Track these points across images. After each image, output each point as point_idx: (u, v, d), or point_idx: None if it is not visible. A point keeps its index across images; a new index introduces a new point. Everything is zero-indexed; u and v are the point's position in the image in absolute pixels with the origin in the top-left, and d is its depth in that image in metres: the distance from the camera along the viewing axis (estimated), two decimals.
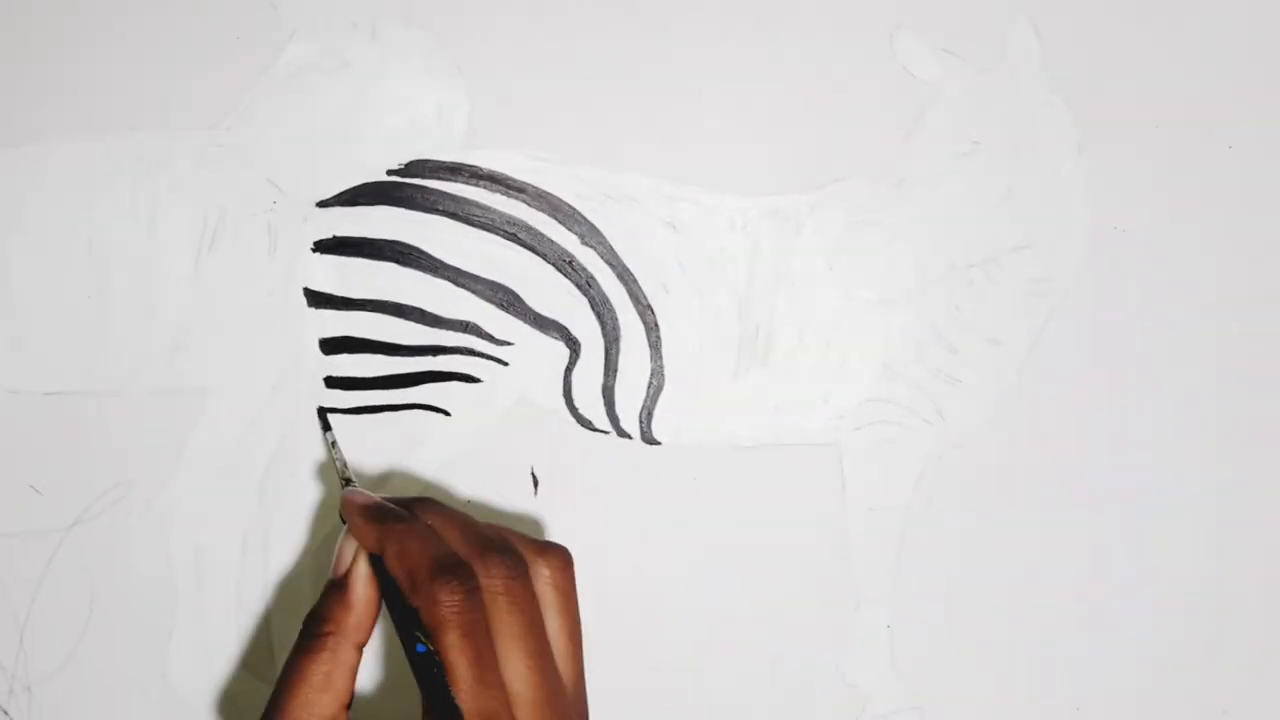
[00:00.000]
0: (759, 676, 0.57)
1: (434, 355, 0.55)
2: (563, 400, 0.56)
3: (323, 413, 0.54)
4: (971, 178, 0.56)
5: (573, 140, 0.55)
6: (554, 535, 0.56)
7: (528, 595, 0.44)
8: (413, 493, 0.55)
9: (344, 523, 0.48)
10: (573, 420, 0.56)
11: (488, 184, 0.55)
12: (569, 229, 0.55)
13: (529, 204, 0.55)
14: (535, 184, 0.55)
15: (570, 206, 0.55)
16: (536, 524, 0.56)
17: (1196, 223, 0.57)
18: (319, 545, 0.55)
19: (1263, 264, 0.58)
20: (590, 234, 0.55)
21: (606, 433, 0.56)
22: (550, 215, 0.55)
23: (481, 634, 0.42)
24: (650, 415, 0.56)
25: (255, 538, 0.55)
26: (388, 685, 0.55)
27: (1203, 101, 0.57)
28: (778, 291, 0.56)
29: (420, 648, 0.43)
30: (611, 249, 0.55)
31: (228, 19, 0.55)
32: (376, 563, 0.46)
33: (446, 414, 0.55)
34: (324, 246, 0.55)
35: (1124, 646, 0.58)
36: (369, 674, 0.55)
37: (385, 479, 0.55)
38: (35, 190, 0.54)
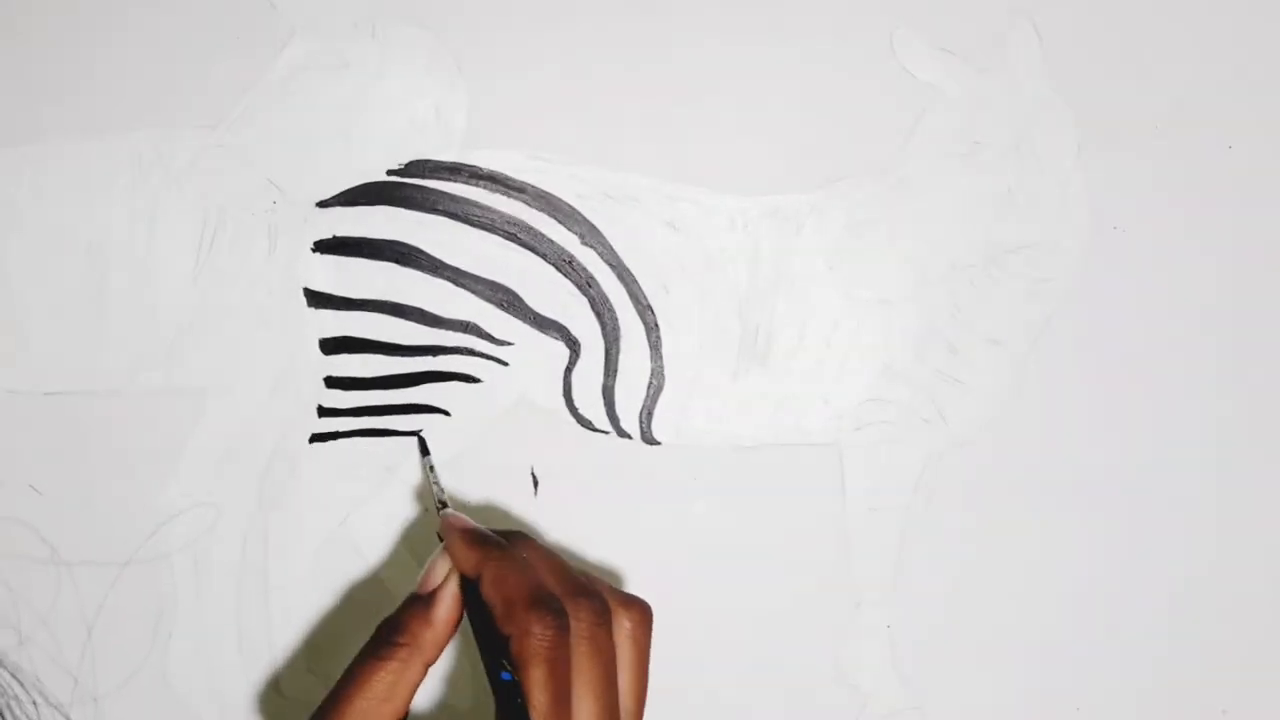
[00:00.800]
0: (759, 676, 0.57)
1: (434, 355, 0.55)
2: (563, 400, 0.56)
3: (422, 440, 0.54)
4: (971, 178, 0.56)
5: (573, 140, 0.55)
6: (554, 535, 0.56)
7: (609, 644, 0.45)
8: (500, 524, 0.55)
9: (440, 542, 0.48)
10: (573, 420, 0.56)
11: (487, 184, 0.55)
12: (569, 229, 0.55)
13: (529, 204, 0.55)
14: (535, 184, 0.55)
15: (570, 206, 0.55)
16: (617, 576, 0.56)
17: (1196, 223, 0.57)
18: (320, 544, 0.55)
19: (1263, 264, 0.58)
20: (590, 234, 0.55)
21: (606, 433, 0.56)
22: (550, 215, 0.55)
23: (564, 673, 0.42)
24: (650, 415, 0.56)
25: (255, 538, 0.55)
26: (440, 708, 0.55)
27: (1203, 101, 0.57)
28: (778, 291, 0.56)
29: (505, 675, 0.43)
30: (611, 249, 0.55)
31: (228, 19, 0.55)
32: (467, 587, 0.46)
33: (446, 414, 0.55)
34: (324, 246, 0.55)
35: (1124, 646, 0.58)
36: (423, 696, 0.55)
37: (480, 509, 0.55)
38: (35, 190, 0.54)
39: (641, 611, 0.47)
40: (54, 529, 0.54)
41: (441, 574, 0.47)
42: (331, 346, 0.55)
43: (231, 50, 0.54)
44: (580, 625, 0.44)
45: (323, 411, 0.55)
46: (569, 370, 0.55)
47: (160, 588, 0.55)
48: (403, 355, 0.55)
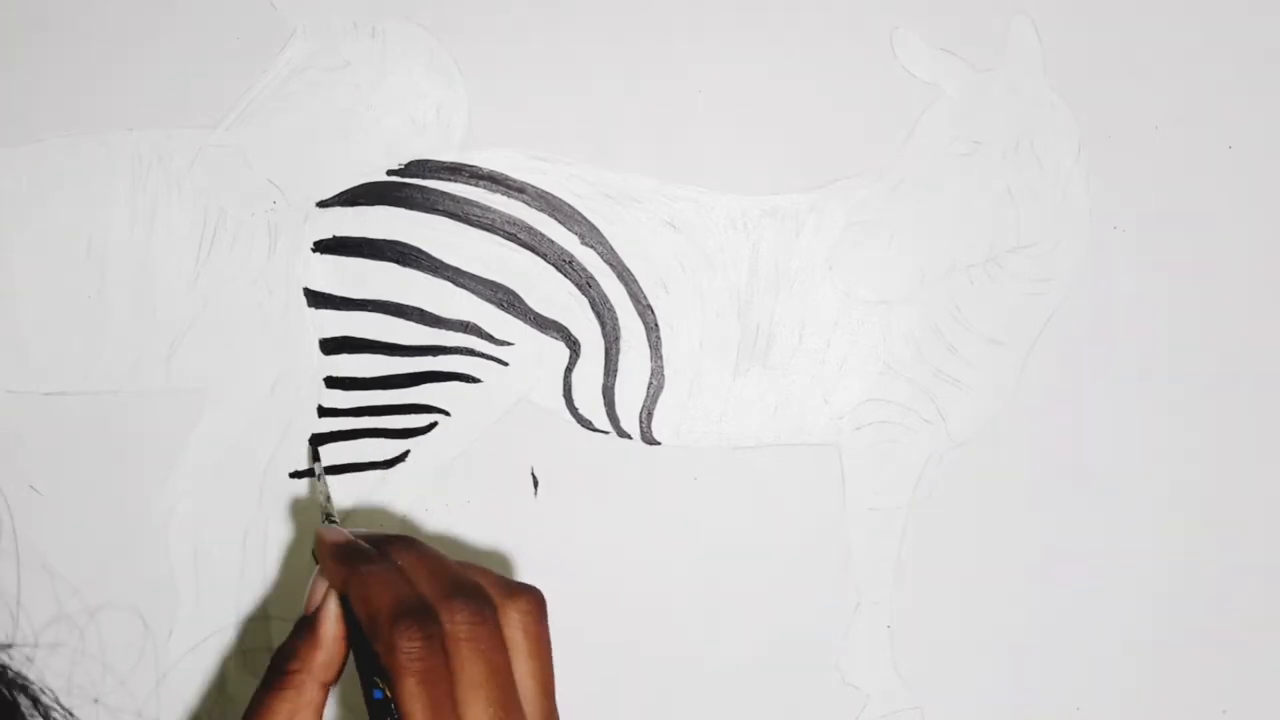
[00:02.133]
0: (759, 677, 0.57)
1: (434, 355, 0.55)
2: (563, 400, 0.56)
3: (314, 442, 0.54)
4: (971, 178, 0.56)
5: (573, 140, 0.55)
6: (554, 535, 0.56)
7: (493, 641, 0.43)
8: (392, 529, 0.54)
9: (316, 560, 0.47)
10: (573, 420, 0.56)
11: (487, 184, 0.55)
12: (569, 229, 0.55)
13: (529, 204, 0.55)
14: (535, 184, 0.55)
15: (570, 206, 0.55)
16: (505, 561, 0.55)
17: (1196, 223, 0.57)
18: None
19: (1263, 264, 0.58)
20: (590, 234, 0.55)
21: (606, 433, 0.56)
22: (550, 215, 0.55)
23: (440, 681, 0.41)
24: (650, 415, 0.56)
25: (255, 538, 0.55)
26: None
27: (1203, 101, 0.57)
28: (778, 291, 0.56)
29: (377, 693, 0.42)
30: (611, 249, 0.55)
31: (228, 19, 0.55)
32: (346, 603, 0.45)
33: (446, 414, 0.55)
34: (324, 246, 0.55)
35: (1125, 646, 0.58)
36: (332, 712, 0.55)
37: (368, 516, 0.55)
38: (35, 190, 0.54)
39: (530, 599, 0.45)
40: (54, 529, 0.54)
41: (321, 592, 0.45)
42: (331, 346, 0.55)
43: (231, 50, 0.54)
44: (457, 628, 0.42)
45: (323, 411, 0.55)
46: (569, 370, 0.55)
47: (158, 587, 0.55)
48: (403, 355, 0.55)
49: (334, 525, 0.49)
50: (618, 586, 0.56)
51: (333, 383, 0.55)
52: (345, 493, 0.55)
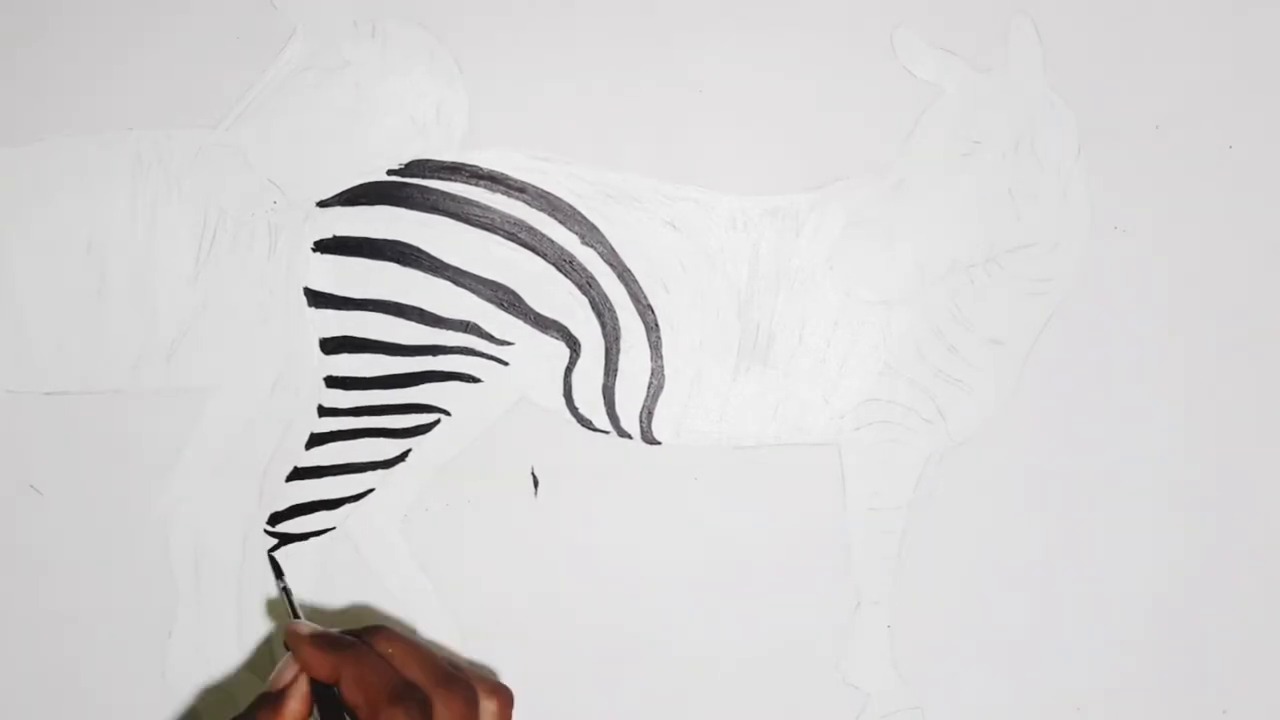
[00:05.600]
0: (759, 676, 0.57)
1: (434, 355, 0.55)
2: (563, 400, 0.56)
3: (275, 561, 0.55)
4: (971, 178, 0.56)
5: (573, 140, 0.55)
6: (554, 535, 0.56)
7: None
8: (367, 621, 0.54)
9: (287, 650, 0.48)
10: (573, 420, 0.56)
11: (488, 184, 0.55)
12: (569, 229, 0.55)
13: (529, 204, 0.55)
14: (535, 184, 0.55)
15: (570, 206, 0.55)
16: (489, 667, 0.56)
17: (1196, 223, 0.57)
18: (321, 544, 0.55)
19: (1263, 264, 0.58)
20: (590, 234, 0.55)
21: (606, 432, 0.56)
22: (550, 215, 0.55)
23: None
24: (650, 415, 0.56)
25: (255, 538, 0.55)
26: None
27: (1203, 101, 0.57)
28: (778, 291, 0.56)
29: None
30: (611, 249, 0.55)
31: (228, 19, 0.55)
32: (322, 691, 0.46)
33: (447, 413, 0.55)
34: (324, 246, 0.55)
35: (1124, 646, 0.58)
36: None
37: (341, 612, 0.55)
38: (35, 190, 0.54)
39: (506, 696, 0.48)
40: (54, 529, 0.54)
41: (293, 672, 0.47)
42: (332, 346, 0.55)
43: (231, 50, 0.54)
44: (449, 714, 0.44)
45: (323, 411, 0.55)
46: (569, 370, 0.55)
47: (158, 587, 0.55)
48: (403, 355, 0.55)
49: (299, 620, 0.50)
50: (618, 586, 0.56)
51: (333, 382, 0.55)
52: (346, 493, 0.55)
